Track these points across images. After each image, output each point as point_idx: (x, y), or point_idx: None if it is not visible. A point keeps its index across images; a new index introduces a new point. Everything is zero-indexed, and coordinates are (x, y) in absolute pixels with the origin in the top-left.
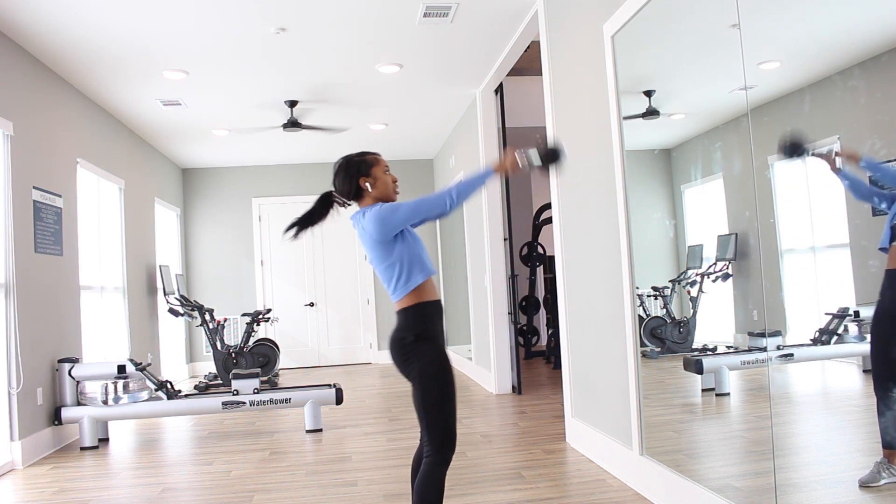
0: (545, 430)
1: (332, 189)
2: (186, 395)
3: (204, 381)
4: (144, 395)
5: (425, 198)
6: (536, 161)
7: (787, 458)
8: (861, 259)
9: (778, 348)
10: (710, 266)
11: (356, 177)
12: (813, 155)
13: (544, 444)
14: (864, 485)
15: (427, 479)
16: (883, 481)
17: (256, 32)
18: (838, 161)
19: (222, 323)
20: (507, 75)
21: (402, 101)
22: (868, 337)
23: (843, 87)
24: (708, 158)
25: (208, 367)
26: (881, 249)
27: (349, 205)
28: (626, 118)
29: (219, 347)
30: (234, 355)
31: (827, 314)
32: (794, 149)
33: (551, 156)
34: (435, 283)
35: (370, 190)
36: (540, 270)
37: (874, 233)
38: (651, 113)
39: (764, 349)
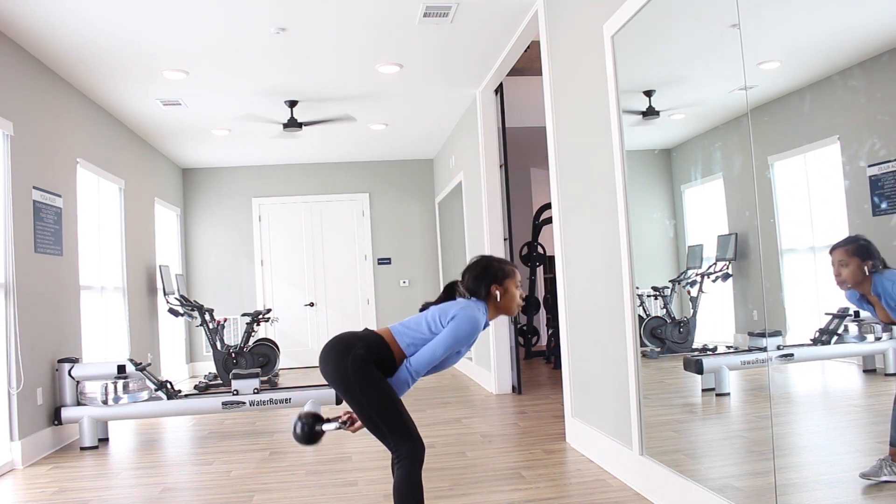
0: (545, 430)
1: (460, 280)
2: (186, 395)
3: (204, 381)
4: (144, 395)
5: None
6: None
7: (787, 458)
8: None
9: (778, 348)
10: (710, 266)
11: (491, 282)
12: None
13: (544, 444)
14: (865, 476)
15: (404, 483)
16: (883, 477)
17: (256, 32)
18: None
19: (222, 323)
20: (507, 75)
21: (402, 101)
22: (868, 338)
23: (843, 87)
24: (708, 158)
25: (208, 367)
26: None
27: (466, 296)
28: (627, 124)
29: (219, 347)
30: (234, 355)
31: (827, 314)
32: None
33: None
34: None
35: (498, 300)
36: (540, 270)
37: (874, 233)
38: (651, 113)
39: (764, 349)
